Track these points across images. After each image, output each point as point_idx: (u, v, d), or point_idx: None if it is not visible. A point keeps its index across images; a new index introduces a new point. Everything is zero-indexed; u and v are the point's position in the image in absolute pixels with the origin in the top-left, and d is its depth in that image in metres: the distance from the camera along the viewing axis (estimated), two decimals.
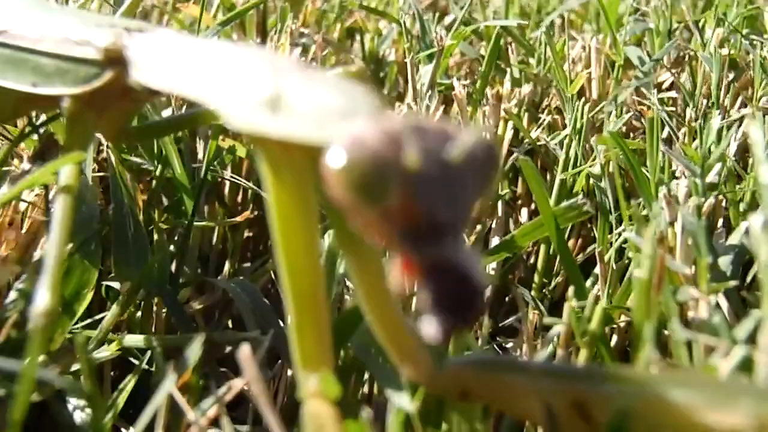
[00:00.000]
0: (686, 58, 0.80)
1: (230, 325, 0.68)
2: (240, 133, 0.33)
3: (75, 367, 0.52)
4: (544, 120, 0.71)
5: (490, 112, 0.70)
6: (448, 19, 0.94)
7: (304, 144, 0.29)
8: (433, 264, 0.26)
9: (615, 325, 0.57)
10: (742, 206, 0.62)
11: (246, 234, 0.73)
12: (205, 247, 0.71)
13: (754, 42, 0.77)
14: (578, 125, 0.64)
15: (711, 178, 0.54)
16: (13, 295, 0.50)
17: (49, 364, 0.51)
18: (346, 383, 0.50)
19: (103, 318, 0.56)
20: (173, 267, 0.61)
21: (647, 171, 0.57)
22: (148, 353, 0.53)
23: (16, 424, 0.35)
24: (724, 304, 0.52)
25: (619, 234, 0.59)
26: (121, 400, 0.50)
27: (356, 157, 0.26)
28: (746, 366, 0.37)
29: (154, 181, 0.63)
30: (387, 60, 0.84)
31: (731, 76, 0.77)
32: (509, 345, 0.65)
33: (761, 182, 0.44)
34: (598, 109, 0.67)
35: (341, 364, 0.45)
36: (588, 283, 0.61)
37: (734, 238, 0.56)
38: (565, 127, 0.68)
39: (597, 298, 0.44)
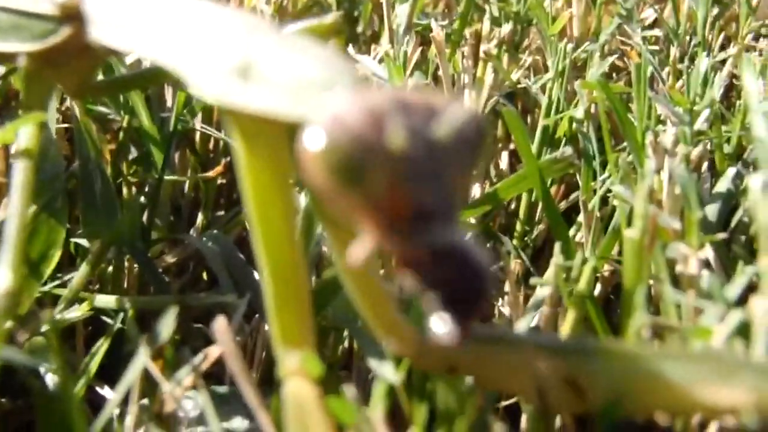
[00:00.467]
0: None
1: (204, 276, 0.67)
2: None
3: (45, 327, 0.51)
4: (525, 61, 0.68)
5: (468, 52, 0.68)
6: None
7: (279, 118, 0.27)
8: (429, 254, 0.24)
9: (599, 275, 0.56)
10: (727, 149, 0.61)
11: (219, 181, 0.71)
12: (176, 198, 0.69)
13: None
14: (560, 68, 0.62)
15: (699, 125, 0.52)
16: None
17: (18, 329, 0.50)
18: (325, 349, 0.49)
19: (71, 277, 0.55)
20: (144, 221, 0.59)
21: (632, 116, 0.55)
22: (121, 314, 0.51)
23: None
24: (711, 255, 0.52)
25: (603, 181, 0.58)
26: (94, 365, 0.49)
27: (337, 138, 0.24)
28: (742, 330, 0.37)
29: (121, 133, 0.60)
30: None
31: (716, 11, 0.75)
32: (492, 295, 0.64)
33: (755, 135, 0.42)
34: (581, 50, 0.65)
35: (320, 329, 0.44)
36: (571, 231, 0.60)
37: (721, 185, 0.55)
38: (546, 69, 0.65)
39: (584, 260, 0.42)
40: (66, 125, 0.62)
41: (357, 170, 0.24)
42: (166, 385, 0.41)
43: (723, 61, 0.66)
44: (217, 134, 0.62)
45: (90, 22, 0.37)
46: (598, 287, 0.56)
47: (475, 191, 0.65)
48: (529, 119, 0.68)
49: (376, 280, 0.33)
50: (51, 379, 0.47)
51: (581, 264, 0.43)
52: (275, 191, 0.30)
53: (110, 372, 0.51)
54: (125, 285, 0.60)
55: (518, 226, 0.61)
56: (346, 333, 0.51)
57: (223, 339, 0.37)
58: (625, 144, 0.56)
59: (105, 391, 0.51)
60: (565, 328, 0.44)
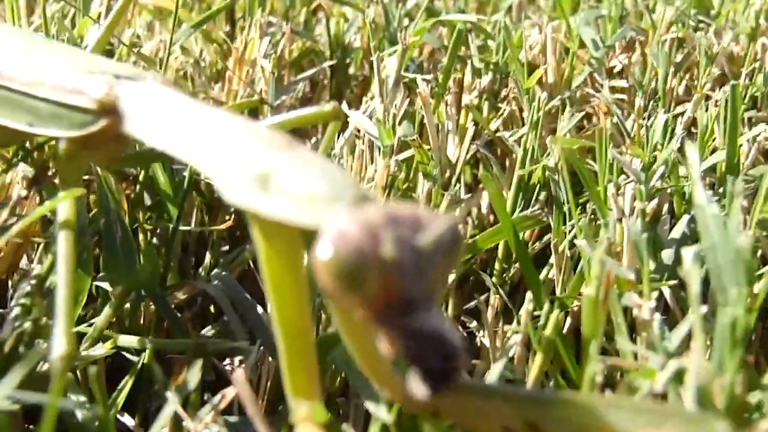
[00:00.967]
0: (636, 44, 0.84)
1: (212, 309, 0.73)
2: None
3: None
4: (504, 110, 0.75)
5: (452, 101, 0.75)
6: (410, 3, 0.97)
7: (291, 223, 0.34)
8: (412, 336, 0.31)
9: (569, 310, 0.62)
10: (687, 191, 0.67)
11: (230, 224, 0.76)
12: (185, 238, 0.75)
13: (701, 25, 0.82)
14: (534, 119, 0.69)
15: (654, 181, 0.59)
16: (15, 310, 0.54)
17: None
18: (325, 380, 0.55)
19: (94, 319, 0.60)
20: (161, 267, 0.65)
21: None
22: (143, 353, 0.57)
23: None
24: (668, 293, 0.58)
25: (573, 225, 0.64)
26: (121, 399, 0.55)
27: (341, 251, 0.30)
28: (679, 376, 0.43)
29: (137, 185, 0.66)
30: (353, 47, 0.87)
31: (679, 58, 0.82)
32: (473, 325, 0.70)
33: (696, 203, 0.49)
34: (552, 103, 0.71)
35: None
36: (544, 271, 0.67)
37: (677, 231, 0.61)
38: (523, 120, 0.72)
39: (551, 309, 0.49)
40: (85, 176, 0.68)
41: (356, 275, 0.30)
42: (191, 423, 0.48)
43: (682, 113, 0.73)
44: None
45: (125, 118, 0.43)
46: (569, 321, 0.62)
47: None
48: (507, 163, 0.75)
49: (369, 340, 0.39)
50: (80, 413, 0.53)
51: (548, 312, 0.49)
52: (288, 277, 0.37)
53: (131, 401, 0.57)
54: (142, 322, 0.67)
55: (497, 265, 0.68)
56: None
57: (241, 387, 0.43)
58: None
59: (126, 418, 0.57)
60: (536, 368, 0.50)
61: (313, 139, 0.78)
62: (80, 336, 0.59)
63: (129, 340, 0.58)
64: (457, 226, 0.32)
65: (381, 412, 0.44)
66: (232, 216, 0.63)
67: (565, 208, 0.65)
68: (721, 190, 0.66)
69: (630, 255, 0.54)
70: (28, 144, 0.57)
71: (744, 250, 0.46)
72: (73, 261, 0.43)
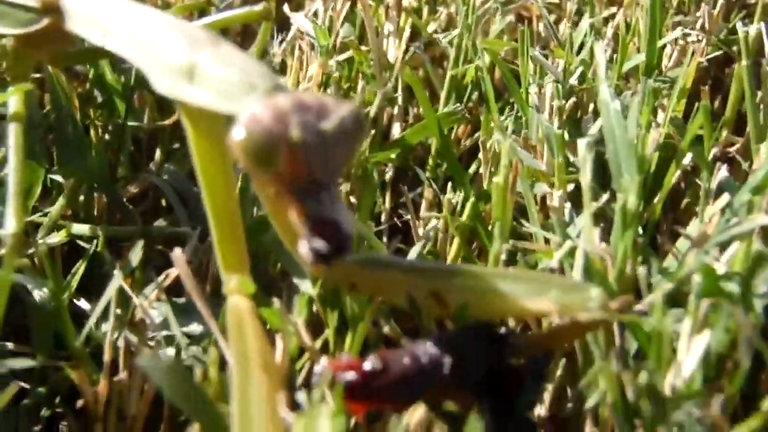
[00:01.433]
0: None
1: (163, 203, 0.77)
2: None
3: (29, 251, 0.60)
4: (442, 12, 0.78)
5: (393, 3, 0.78)
6: None
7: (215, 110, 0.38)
8: (311, 212, 0.35)
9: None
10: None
11: (175, 118, 0.80)
12: (137, 134, 0.78)
13: None
14: (468, 21, 0.72)
15: (574, 80, 0.63)
16: None
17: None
18: (266, 268, 0.60)
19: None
20: (111, 160, 0.68)
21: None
22: (95, 241, 0.61)
23: None
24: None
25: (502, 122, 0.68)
26: (75, 282, 0.59)
27: (252, 133, 0.34)
28: (572, 254, 0.48)
29: (87, 83, 0.69)
30: None
31: None
32: (408, 218, 0.75)
33: (601, 100, 0.53)
34: (486, 6, 0.75)
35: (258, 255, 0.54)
36: (473, 166, 0.71)
37: (593, 130, 0.65)
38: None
39: (468, 195, 0.53)
40: (37, 75, 0.71)
41: (267, 154, 0.34)
42: (136, 300, 0.52)
43: (612, 16, 0.76)
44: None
45: (67, 16, 0.46)
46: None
47: (396, 131, 0.75)
48: (444, 65, 0.78)
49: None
50: (38, 294, 0.57)
51: (464, 199, 0.54)
52: (214, 157, 0.41)
53: (86, 288, 0.61)
54: (95, 213, 0.70)
55: (430, 161, 0.72)
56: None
57: (179, 265, 0.48)
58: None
59: (82, 303, 0.61)
60: (452, 251, 0.55)
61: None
62: (36, 226, 0.63)
63: (82, 229, 0.62)
64: (359, 114, 0.36)
65: (305, 286, 0.49)
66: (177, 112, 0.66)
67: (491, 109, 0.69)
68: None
69: (546, 148, 0.58)
70: None
71: (638, 141, 0.51)
72: (22, 150, 0.47)
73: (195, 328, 0.58)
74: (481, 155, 0.69)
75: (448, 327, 0.50)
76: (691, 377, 0.42)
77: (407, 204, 0.57)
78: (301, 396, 0.40)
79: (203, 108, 0.39)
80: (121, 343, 0.51)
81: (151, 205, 0.76)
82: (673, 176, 0.59)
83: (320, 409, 0.34)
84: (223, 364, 0.46)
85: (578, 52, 0.69)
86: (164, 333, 0.54)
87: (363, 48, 0.70)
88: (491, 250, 0.48)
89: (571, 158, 0.63)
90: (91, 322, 0.51)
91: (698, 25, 0.76)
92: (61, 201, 0.63)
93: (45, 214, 0.63)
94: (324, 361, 0.40)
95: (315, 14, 0.74)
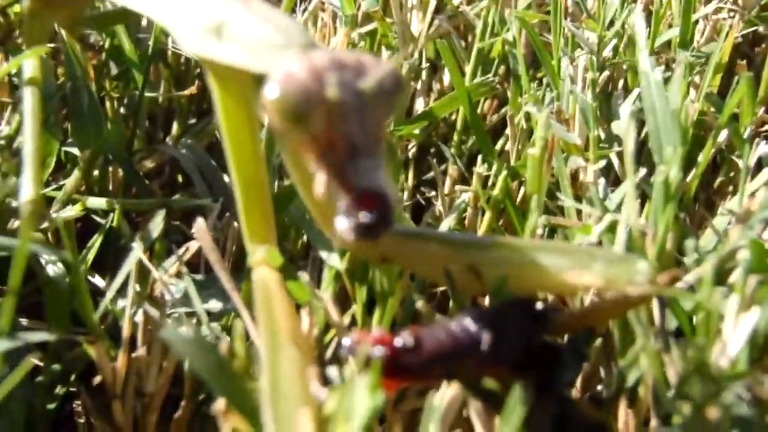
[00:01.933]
0: None
1: (179, 179, 0.75)
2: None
3: (43, 225, 0.59)
4: None
5: None
6: None
7: (245, 69, 0.36)
8: (352, 181, 0.33)
9: (523, 180, 0.64)
10: None
11: (192, 89, 0.78)
12: (152, 108, 0.76)
13: None
14: None
15: (608, 52, 0.61)
16: None
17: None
18: (287, 243, 0.58)
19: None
20: (127, 133, 0.67)
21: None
22: (111, 214, 0.59)
23: (14, 291, 0.42)
24: (616, 163, 0.61)
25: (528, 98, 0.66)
26: (91, 256, 0.57)
27: (287, 91, 0.32)
28: (612, 229, 0.46)
29: (103, 53, 0.67)
30: None
31: None
32: (432, 194, 0.73)
33: (640, 69, 0.51)
34: None
35: (284, 227, 0.52)
36: (501, 141, 0.69)
37: (628, 103, 0.63)
38: None
39: (501, 167, 0.51)
40: (51, 45, 0.69)
41: (302, 113, 0.32)
42: (156, 273, 0.50)
43: None
44: (187, 53, 0.69)
45: None
46: (522, 191, 0.65)
47: (419, 105, 0.73)
48: (470, 39, 0.76)
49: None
50: (53, 269, 0.55)
51: (497, 173, 0.52)
52: (243, 121, 0.39)
53: (101, 264, 0.60)
54: (110, 188, 0.69)
55: (455, 136, 0.70)
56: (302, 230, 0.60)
57: (202, 236, 0.46)
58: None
59: (96, 279, 0.59)
60: (484, 225, 0.53)
61: None
62: (50, 200, 0.61)
63: (98, 202, 0.60)
64: (399, 72, 0.34)
65: (333, 260, 0.47)
66: (196, 83, 0.64)
67: (522, 81, 0.67)
68: (674, 66, 0.69)
69: (579, 122, 0.56)
70: None
71: (681, 112, 0.48)
72: (39, 115, 0.45)
73: (215, 304, 0.57)
74: (508, 131, 0.67)
75: (481, 303, 0.48)
76: (737, 356, 0.40)
77: (436, 177, 0.55)
78: (331, 371, 0.38)
79: (232, 68, 0.37)
80: (139, 319, 0.50)
81: (167, 181, 0.75)
82: (710, 152, 0.57)
83: (355, 383, 0.32)
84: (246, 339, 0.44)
85: (608, 27, 0.67)
86: (183, 310, 0.53)
87: (387, 20, 0.68)
88: (527, 225, 0.46)
89: (601, 134, 0.61)
90: (109, 296, 0.50)
91: (730, 1, 0.74)
92: (76, 174, 0.61)
93: (59, 188, 0.61)
94: (353, 334, 0.38)
95: None
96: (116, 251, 0.61)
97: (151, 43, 0.62)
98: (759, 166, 0.57)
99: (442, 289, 0.60)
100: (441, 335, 0.38)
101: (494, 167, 0.52)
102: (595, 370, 0.48)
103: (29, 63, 0.47)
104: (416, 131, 0.67)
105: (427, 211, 0.72)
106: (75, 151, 0.64)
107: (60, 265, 0.54)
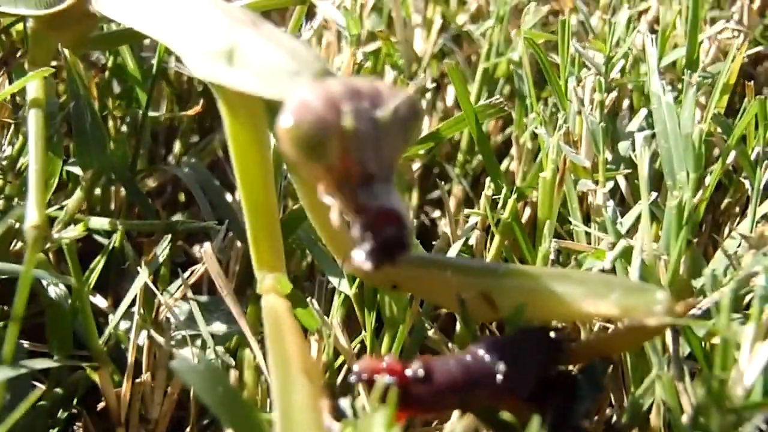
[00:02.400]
0: None
1: (182, 198, 0.75)
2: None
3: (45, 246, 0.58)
4: (471, 4, 0.75)
5: None
6: None
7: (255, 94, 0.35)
8: (366, 209, 0.32)
9: (528, 201, 0.64)
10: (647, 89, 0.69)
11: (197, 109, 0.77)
12: (154, 127, 0.75)
13: None
14: (500, 14, 0.69)
15: (614, 74, 0.60)
16: None
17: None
18: (292, 264, 0.57)
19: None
20: (130, 152, 0.66)
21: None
22: (113, 236, 0.58)
23: (18, 318, 0.41)
24: (623, 184, 0.60)
25: (533, 119, 0.66)
26: (93, 278, 0.56)
27: (302, 120, 0.32)
28: (626, 254, 0.45)
29: (106, 72, 0.67)
30: None
31: None
32: (435, 215, 0.73)
33: (652, 91, 0.50)
34: None
35: (288, 249, 0.52)
36: (506, 161, 0.69)
37: (633, 125, 0.63)
38: (490, 14, 0.73)
39: (510, 191, 0.51)
40: (54, 63, 0.68)
41: (317, 144, 0.32)
42: (162, 298, 0.50)
43: (646, 10, 0.74)
44: (190, 73, 0.68)
45: None
46: (528, 211, 0.64)
47: (423, 125, 0.72)
48: (474, 59, 0.76)
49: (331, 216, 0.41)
50: (54, 291, 0.54)
51: (506, 197, 0.51)
52: (253, 147, 0.38)
53: (102, 284, 0.59)
54: (112, 207, 0.68)
55: (460, 156, 0.70)
56: (308, 252, 0.60)
57: (209, 261, 0.45)
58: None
59: (98, 299, 0.59)
60: (493, 249, 0.53)
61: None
62: (52, 220, 0.60)
63: (100, 222, 0.59)
64: (416, 100, 0.33)
65: (343, 287, 0.47)
66: (201, 102, 0.63)
67: (527, 101, 0.67)
68: (679, 86, 0.68)
69: (587, 144, 0.56)
70: None
71: (694, 136, 0.48)
72: (43, 137, 0.44)
73: (219, 326, 0.56)
74: (513, 151, 0.66)
75: (494, 331, 0.48)
76: (753, 386, 0.40)
77: (443, 198, 0.54)
78: (343, 402, 0.37)
79: (243, 93, 0.36)
80: (142, 342, 0.49)
81: (168, 200, 0.74)
82: (719, 174, 0.57)
83: (372, 419, 0.31)
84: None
85: (615, 46, 0.66)
86: (185, 332, 0.52)
87: (392, 39, 0.67)
88: (539, 250, 0.46)
89: (608, 155, 0.60)
90: (114, 321, 0.49)
91: (733, 21, 0.73)
92: (78, 194, 0.60)
93: (61, 208, 0.61)
94: (363, 361, 0.37)
95: (339, 5, 0.71)
96: (118, 272, 0.60)
97: (155, 61, 0.61)
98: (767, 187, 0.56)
99: (446, 311, 0.59)
100: (453, 366, 0.37)
101: (503, 191, 0.51)
102: (606, 397, 0.47)
103: (33, 84, 0.46)
104: (421, 151, 0.66)
105: (431, 232, 0.71)
106: (77, 170, 0.63)
107: (62, 286, 0.53)
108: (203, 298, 0.60)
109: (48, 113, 0.58)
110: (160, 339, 0.48)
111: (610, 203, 0.53)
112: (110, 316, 0.53)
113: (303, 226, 0.50)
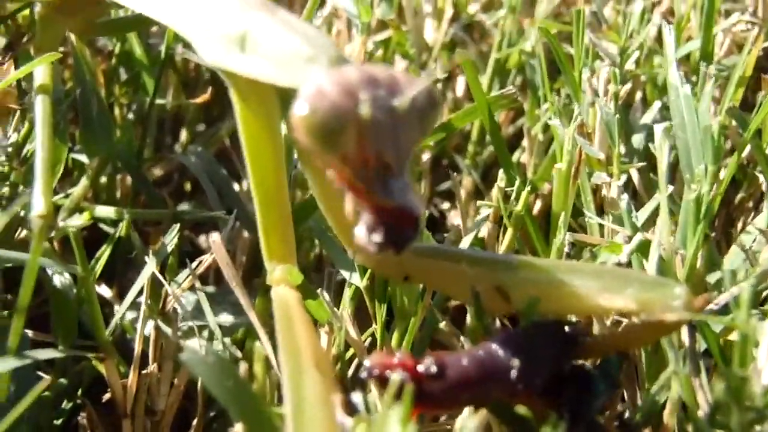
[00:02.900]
0: None
1: (188, 187, 0.74)
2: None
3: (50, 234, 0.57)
4: None
5: None
6: None
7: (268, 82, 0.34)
8: (380, 201, 0.31)
9: (539, 193, 0.63)
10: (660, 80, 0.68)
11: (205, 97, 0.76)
12: (161, 115, 0.75)
13: None
14: (513, 2, 0.68)
15: (629, 65, 0.60)
16: None
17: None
18: (302, 254, 0.56)
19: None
20: (137, 140, 0.65)
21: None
22: (120, 224, 0.57)
23: (23, 309, 0.41)
24: (636, 177, 0.59)
25: (547, 109, 0.65)
26: (99, 267, 0.55)
27: (317, 108, 0.31)
28: (642, 248, 0.45)
29: (113, 58, 0.66)
30: None
31: None
32: (445, 207, 0.72)
33: (669, 83, 0.49)
34: None
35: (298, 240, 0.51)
36: (517, 153, 0.68)
37: (648, 117, 0.62)
38: (502, 4, 0.72)
39: (523, 183, 0.50)
40: (61, 50, 0.67)
41: (333, 133, 0.31)
42: (169, 288, 0.49)
43: (660, 1, 0.73)
44: (198, 60, 0.67)
45: None
46: (539, 203, 0.63)
47: None
48: (485, 49, 0.75)
49: (343, 204, 0.40)
50: (59, 280, 0.54)
51: (519, 189, 0.50)
52: (264, 136, 0.37)
53: (107, 273, 0.58)
54: (118, 196, 0.67)
55: (470, 147, 0.69)
56: (317, 242, 0.59)
57: (218, 252, 0.45)
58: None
59: (103, 289, 0.58)
60: (505, 241, 0.52)
61: None
62: (57, 208, 0.59)
63: (106, 211, 0.58)
64: (434, 89, 0.33)
65: (354, 278, 0.46)
66: (209, 91, 0.62)
67: (540, 93, 0.66)
68: (694, 78, 0.67)
69: (601, 136, 0.55)
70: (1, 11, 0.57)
71: (712, 128, 0.47)
72: (50, 123, 0.43)
73: (226, 318, 0.55)
74: (524, 143, 0.66)
75: (507, 325, 0.47)
76: None
77: (454, 189, 0.53)
78: (355, 397, 0.37)
79: (255, 80, 0.35)
80: (150, 333, 0.48)
81: (175, 189, 0.73)
82: (734, 168, 0.56)
83: (387, 415, 0.30)
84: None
85: (629, 38, 0.65)
86: (192, 323, 0.51)
87: (403, 27, 0.66)
88: (553, 243, 0.45)
89: (622, 147, 0.59)
90: (121, 311, 0.48)
91: (748, 13, 0.72)
92: (84, 182, 0.59)
93: (66, 196, 0.60)
94: (374, 356, 0.37)
95: None
96: (124, 261, 0.60)
97: (163, 48, 0.60)
98: None
99: (455, 303, 0.59)
100: (466, 361, 0.37)
101: (516, 183, 0.51)
102: (619, 390, 0.47)
103: (40, 70, 0.46)
104: (431, 142, 0.65)
105: (440, 223, 0.71)
106: (83, 158, 0.62)
107: (67, 275, 0.53)
108: (210, 289, 0.60)
109: (54, 100, 0.57)
110: (167, 329, 0.48)
111: (625, 196, 0.53)
112: (116, 307, 0.52)
113: (313, 216, 0.49)
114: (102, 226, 0.62)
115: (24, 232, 0.57)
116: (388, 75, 0.32)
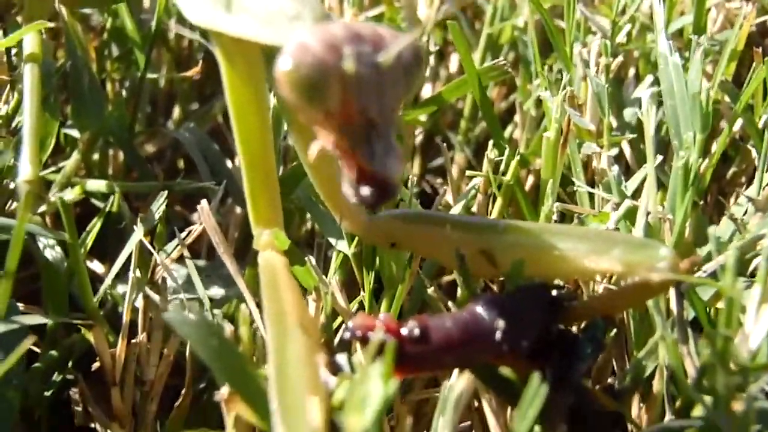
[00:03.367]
0: None
1: (181, 164, 0.74)
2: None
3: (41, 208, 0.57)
4: None
5: None
6: None
7: (254, 41, 0.34)
8: (362, 162, 0.31)
9: (530, 169, 0.63)
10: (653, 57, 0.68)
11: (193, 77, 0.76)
12: (153, 92, 0.75)
13: None
14: None
15: (621, 38, 0.59)
16: None
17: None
18: (292, 228, 0.56)
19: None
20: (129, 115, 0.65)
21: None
22: (111, 198, 0.57)
23: (11, 273, 0.41)
24: (627, 151, 0.59)
25: (539, 85, 0.65)
26: (90, 239, 0.55)
27: (301, 63, 0.31)
28: (630, 215, 0.45)
29: (104, 33, 0.66)
30: None
31: None
32: (438, 182, 0.72)
33: (659, 52, 0.49)
34: None
35: (288, 212, 0.51)
36: (509, 128, 0.68)
37: (639, 91, 0.62)
38: None
39: (513, 153, 0.50)
40: (51, 24, 0.67)
41: (316, 88, 0.31)
42: (158, 257, 0.49)
43: None
44: (191, 35, 0.67)
45: None
46: (530, 179, 0.63)
47: (426, 92, 0.72)
48: (477, 26, 0.75)
49: (331, 171, 0.40)
50: (50, 253, 0.54)
51: (509, 157, 0.50)
52: (250, 97, 0.37)
53: (99, 249, 0.58)
54: (110, 172, 0.67)
55: (463, 124, 0.69)
56: (308, 216, 0.59)
57: (206, 219, 0.45)
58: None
59: (95, 265, 0.58)
60: (495, 212, 0.52)
61: None
62: (48, 183, 0.59)
63: (97, 184, 0.58)
64: (418, 45, 0.32)
65: (342, 246, 0.46)
66: (200, 64, 0.62)
67: (532, 68, 0.65)
68: (686, 53, 0.67)
69: (592, 107, 0.55)
70: None
71: (702, 96, 0.47)
72: (39, 91, 0.43)
73: (217, 290, 0.55)
74: (517, 118, 0.65)
75: (493, 289, 0.47)
76: (758, 349, 0.39)
77: (446, 164, 0.53)
78: (340, 358, 0.37)
79: (241, 41, 0.35)
80: (139, 304, 0.48)
81: (168, 165, 0.73)
82: (726, 141, 0.56)
83: (368, 371, 0.30)
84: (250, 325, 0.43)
85: (621, 12, 0.65)
86: (183, 296, 0.51)
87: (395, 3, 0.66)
88: (541, 210, 0.45)
89: (613, 121, 0.59)
90: (109, 279, 0.48)
91: None
92: (75, 156, 0.60)
93: (58, 171, 0.60)
94: (358, 318, 0.37)
95: None
96: (116, 236, 0.60)
97: (153, 23, 0.60)
98: None
99: (448, 278, 0.59)
100: (450, 324, 0.37)
101: (506, 153, 0.50)
102: (607, 359, 0.47)
103: (29, 39, 0.46)
104: (423, 118, 0.65)
105: (432, 200, 0.70)
106: (74, 133, 0.62)
107: (58, 249, 0.53)
108: (201, 263, 0.60)
109: (45, 73, 0.57)
110: (156, 298, 0.48)
111: (615, 167, 0.52)
112: (108, 281, 0.52)
113: (302, 185, 0.49)
114: (94, 201, 0.62)
115: (15, 205, 0.57)
116: (373, 31, 0.32)
